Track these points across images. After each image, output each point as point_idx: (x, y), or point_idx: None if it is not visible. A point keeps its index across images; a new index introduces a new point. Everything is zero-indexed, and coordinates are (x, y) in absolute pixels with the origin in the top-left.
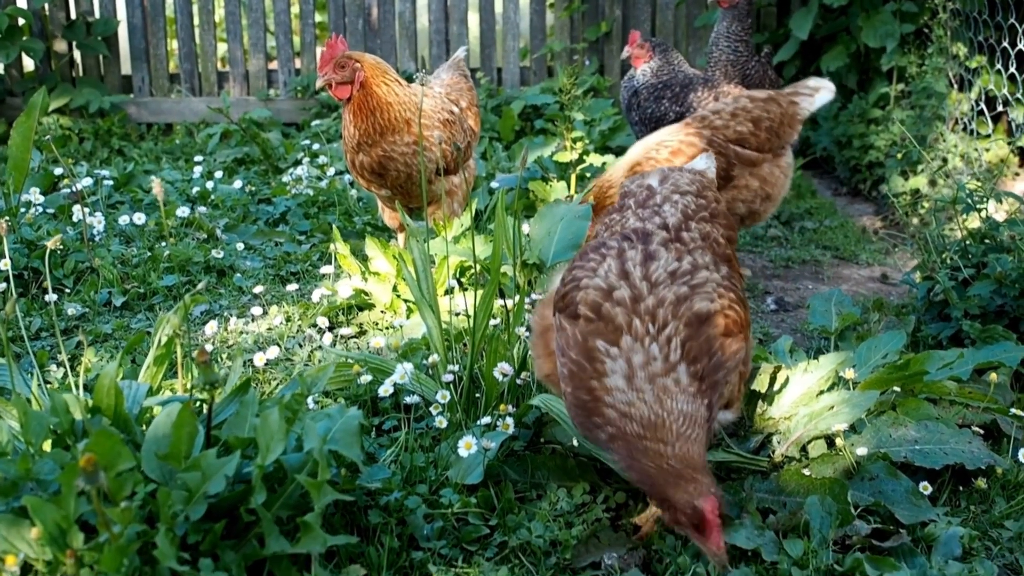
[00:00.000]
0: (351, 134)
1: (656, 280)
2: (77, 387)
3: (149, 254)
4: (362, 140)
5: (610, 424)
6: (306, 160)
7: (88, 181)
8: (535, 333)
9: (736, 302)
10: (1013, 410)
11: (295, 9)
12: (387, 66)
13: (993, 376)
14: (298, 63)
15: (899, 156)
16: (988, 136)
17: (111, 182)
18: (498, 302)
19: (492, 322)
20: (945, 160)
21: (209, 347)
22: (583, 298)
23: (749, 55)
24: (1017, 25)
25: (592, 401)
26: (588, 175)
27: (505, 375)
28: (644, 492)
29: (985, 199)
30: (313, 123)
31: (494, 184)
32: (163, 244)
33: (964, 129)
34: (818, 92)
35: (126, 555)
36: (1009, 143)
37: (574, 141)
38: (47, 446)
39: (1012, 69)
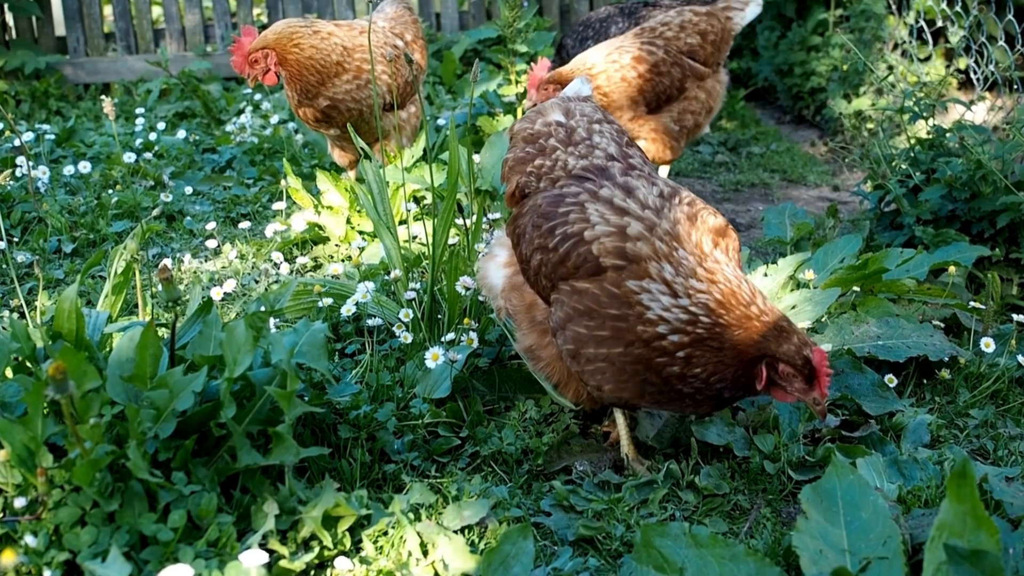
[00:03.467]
0: (290, 96)
1: (655, 206)
2: (35, 327)
3: (96, 202)
4: (301, 99)
5: (679, 348)
6: (249, 109)
7: (30, 136)
8: (519, 310)
9: (714, 214)
10: (972, 304)
11: None
12: (294, 26)
13: (952, 269)
14: (235, 18)
15: (844, 68)
16: (927, 59)
17: (53, 137)
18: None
19: (450, 242)
20: (891, 68)
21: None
22: (601, 249)
23: None
24: None
25: (647, 349)
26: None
27: (467, 288)
28: (739, 389)
29: (932, 106)
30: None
31: (441, 121)
32: (110, 192)
33: (903, 55)
34: (748, 5)
35: (98, 469)
36: (948, 65)
37: (518, 75)
38: (8, 373)
39: None
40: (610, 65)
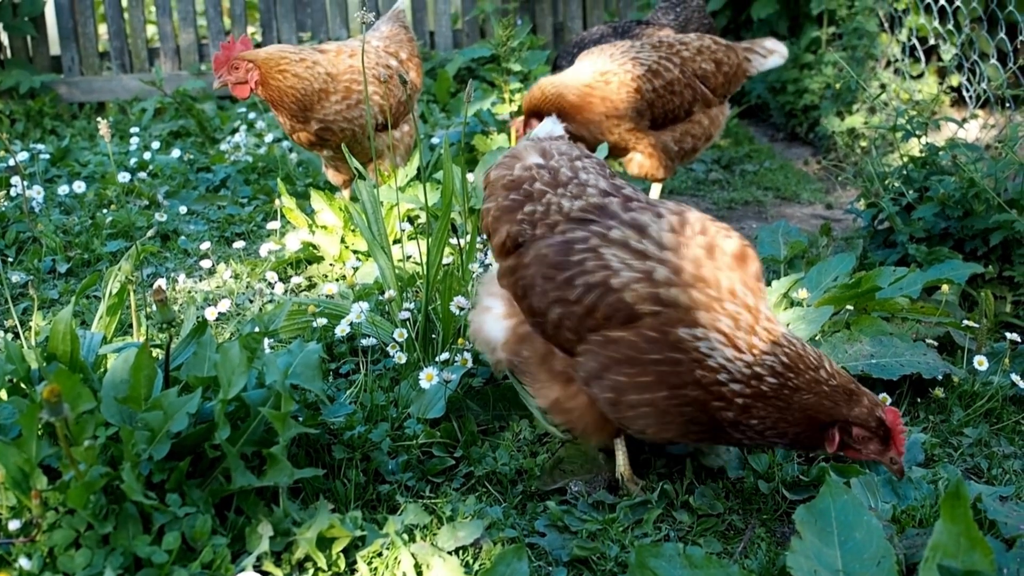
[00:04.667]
0: (282, 122)
1: (671, 245)
2: (30, 348)
3: (91, 222)
4: (293, 124)
5: (738, 397)
6: (243, 128)
7: (24, 156)
8: (531, 362)
9: (727, 235)
10: (965, 322)
11: None
12: (285, 52)
13: (945, 287)
14: (230, 37)
15: (837, 87)
16: (919, 77)
17: (47, 156)
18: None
19: (444, 262)
20: (883, 86)
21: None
22: (635, 296)
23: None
24: None
25: (703, 392)
26: None
27: (462, 308)
28: (797, 445)
29: (924, 124)
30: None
31: (435, 140)
32: (105, 211)
33: (896, 73)
34: (772, 55)
35: (92, 491)
36: (941, 83)
37: (512, 93)
38: (3, 395)
39: (942, 2)
40: (623, 73)
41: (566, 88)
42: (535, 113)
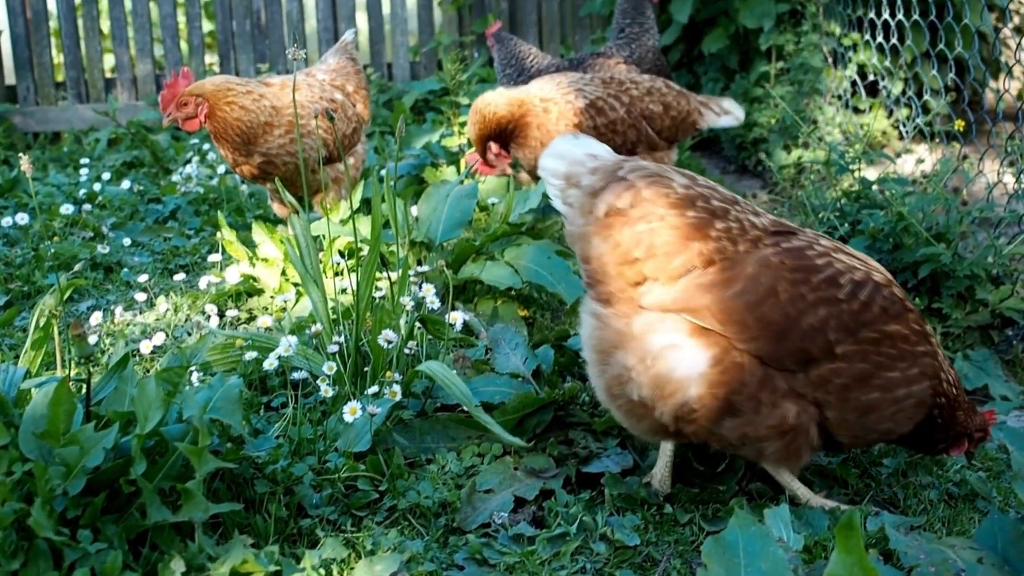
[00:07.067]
0: (224, 154)
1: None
2: None
3: (33, 254)
4: (236, 157)
5: (945, 397)
6: (196, 159)
7: None
8: (748, 388)
9: None
10: None
11: (182, 14)
12: (232, 83)
13: None
14: (187, 67)
15: (778, 122)
16: (867, 111)
17: None
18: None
19: (378, 294)
20: (815, 123)
21: (94, 338)
22: (900, 291)
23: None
24: None
25: (939, 385)
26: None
27: (390, 342)
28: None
29: (857, 160)
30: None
31: (383, 173)
32: (48, 243)
33: (846, 106)
34: (726, 115)
35: (2, 527)
36: (888, 118)
37: (461, 126)
38: None
39: (889, 40)
40: (565, 104)
41: (500, 106)
42: (488, 137)
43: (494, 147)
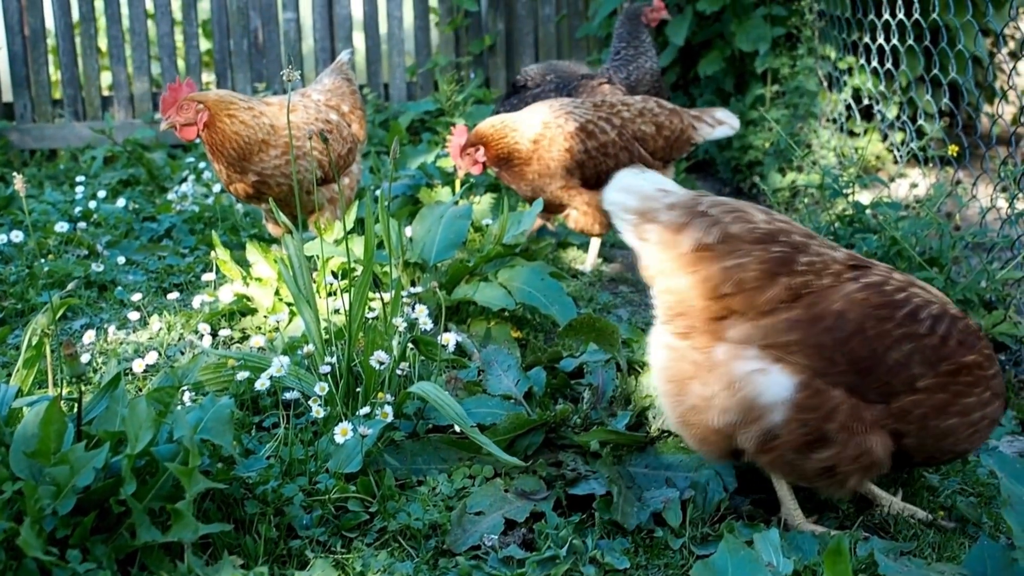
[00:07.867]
0: (218, 169)
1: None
2: None
3: (28, 271)
4: (230, 173)
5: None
6: (191, 178)
7: None
8: (835, 416)
9: None
10: None
11: (179, 32)
12: (234, 97)
13: None
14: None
15: (772, 145)
16: (861, 134)
17: None
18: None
19: (370, 315)
20: (809, 146)
21: (87, 356)
22: (974, 323)
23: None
24: (877, 21)
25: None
26: (472, 181)
27: (382, 363)
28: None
29: (851, 184)
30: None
31: (378, 193)
32: (42, 261)
33: (841, 129)
34: (720, 126)
35: None
36: (883, 141)
37: None
38: None
39: (883, 64)
40: (554, 130)
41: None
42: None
43: (480, 156)
